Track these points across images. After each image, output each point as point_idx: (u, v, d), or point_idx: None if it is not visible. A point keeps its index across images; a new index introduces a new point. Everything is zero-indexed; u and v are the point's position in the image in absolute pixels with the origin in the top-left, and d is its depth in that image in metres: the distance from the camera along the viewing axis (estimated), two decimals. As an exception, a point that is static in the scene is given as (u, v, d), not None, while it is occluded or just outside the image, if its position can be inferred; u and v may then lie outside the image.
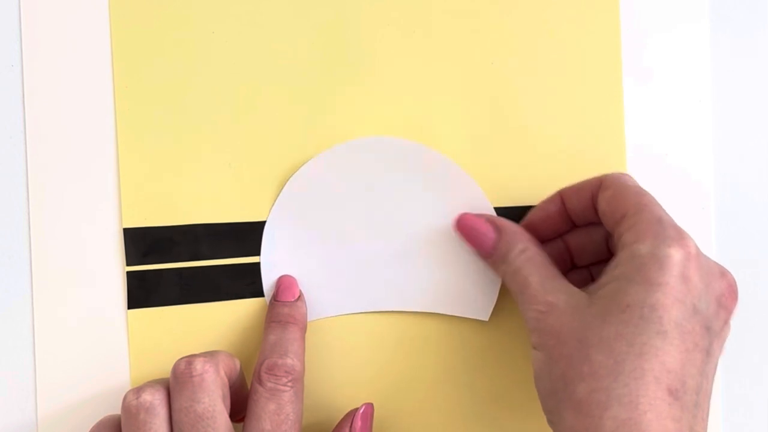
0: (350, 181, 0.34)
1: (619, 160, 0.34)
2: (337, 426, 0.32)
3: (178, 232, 0.33)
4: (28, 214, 0.33)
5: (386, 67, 0.34)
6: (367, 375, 0.34)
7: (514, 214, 0.34)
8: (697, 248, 0.28)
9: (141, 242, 0.33)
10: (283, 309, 0.32)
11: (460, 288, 0.34)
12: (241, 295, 0.33)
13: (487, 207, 0.34)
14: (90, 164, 0.33)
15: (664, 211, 0.29)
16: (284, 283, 0.33)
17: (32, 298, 0.33)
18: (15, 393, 0.33)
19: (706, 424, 0.28)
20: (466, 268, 0.34)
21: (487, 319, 0.34)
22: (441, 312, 0.34)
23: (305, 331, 0.32)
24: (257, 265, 0.34)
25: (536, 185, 0.34)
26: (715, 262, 0.29)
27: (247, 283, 0.33)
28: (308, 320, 0.33)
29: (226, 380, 0.30)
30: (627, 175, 0.31)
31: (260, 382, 0.30)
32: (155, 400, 0.29)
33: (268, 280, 0.34)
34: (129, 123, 0.33)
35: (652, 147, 0.34)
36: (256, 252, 0.34)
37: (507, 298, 0.34)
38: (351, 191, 0.34)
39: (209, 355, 0.30)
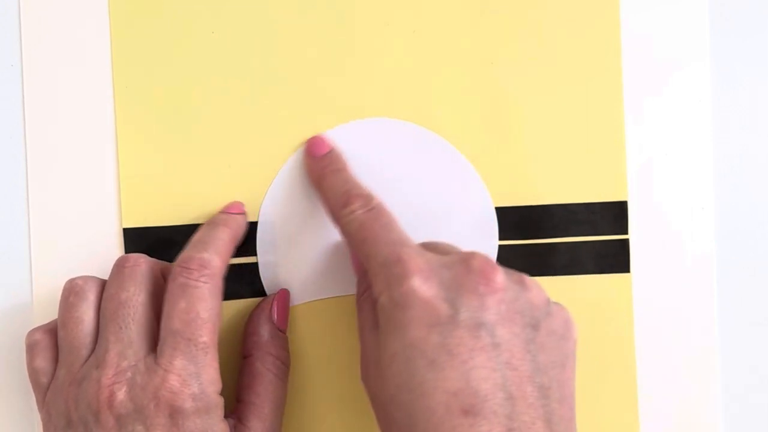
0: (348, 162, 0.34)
1: (619, 160, 0.34)
2: (252, 317, 0.32)
3: (178, 232, 0.33)
4: (28, 214, 0.33)
5: (386, 67, 0.34)
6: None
7: (514, 213, 0.34)
8: (424, 259, 0.27)
9: (141, 242, 0.33)
10: (220, 215, 0.32)
11: None
12: (241, 294, 0.33)
13: (481, 188, 0.34)
14: (90, 164, 0.33)
15: (387, 236, 0.28)
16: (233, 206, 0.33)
17: (32, 298, 0.33)
18: (16, 394, 0.33)
19: (567, 410, 0.26)
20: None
21: None
22: None
23: (237, 241, 0.32)
24: (257, 265, 0.34)
25: (536, 185, 0.34)
26: (451, 253, 0.28)
27: (246, 282, 0.33)
28: (306, 300, 0.34)
29: (162, 280, 0.30)
30: (351, 212, 0.29)
31: (173, 277, 0.28)
32: (86, 285, 0.30)
33: (266, 276, 0.34)
34: (129, 123, 0.33)
35: (652, 147, 0.34)
36: (256, 252, 0.34)
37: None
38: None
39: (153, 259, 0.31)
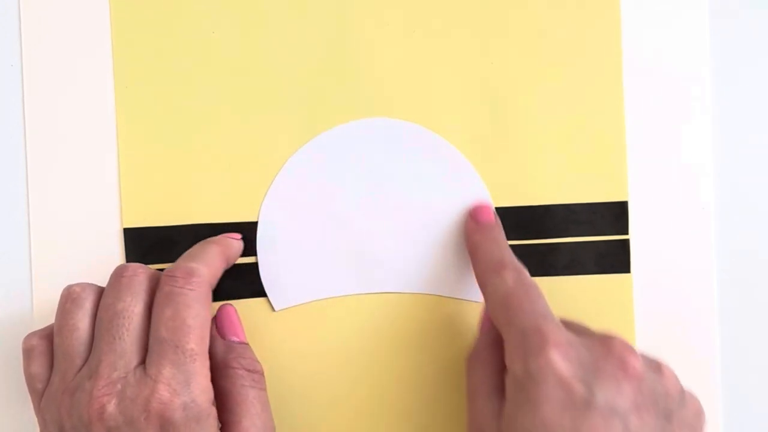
0: (348, 163, 0.34)
1: (620, 160, 0.34)
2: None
3: (178, 232, 0.33)
4: (28, 214, 0.33)
5: (386, 67, 0.34)
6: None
7: (514, 213, 0.34)
8: (566, 338, 0.26)
9: (141, 242, 0.33)
10: (213, 237, 0.32)
11: (455, 270, 0.34)
12: (241, 295, 0.33)
13: (481, 188, 0.34)
14: (90, 164, 0.33)
15: (532, 308, 0.28)
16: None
17: (32, 298, 0.33)
18: (16, 395, 0.33)
19: None
20: (462, 250, 0.34)
21: (482, 300, 0.34)
22: (437, 294, 0.34)
23: (227, 258, 0.32)
24: (257, 265, 0.34)
25: (536, 185, 0.34)
26: (587, 334, 0.28)
27: (247, 283, 0.33)
28: (307, 300, 0.33)
29: None
30: (502, 279, 0.29)
31: (159, 288, 0.28)
32: (83, 292, 0.29)
33: (266, 276, 0.34)
34: (129, 123, 0.33)
35: (652, 147, 0.34)
36: (256, 252, 0.34)
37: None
38: (349, 172, 0.34)
39: (150, 269, 0.30)
